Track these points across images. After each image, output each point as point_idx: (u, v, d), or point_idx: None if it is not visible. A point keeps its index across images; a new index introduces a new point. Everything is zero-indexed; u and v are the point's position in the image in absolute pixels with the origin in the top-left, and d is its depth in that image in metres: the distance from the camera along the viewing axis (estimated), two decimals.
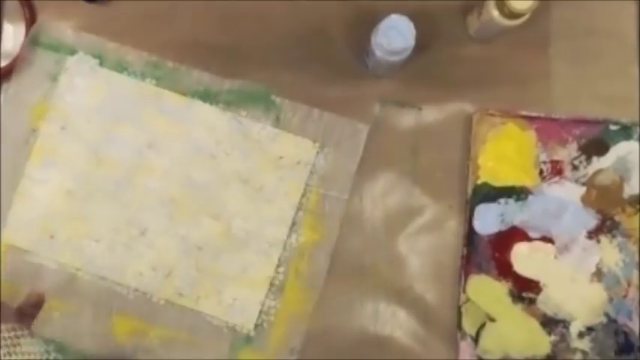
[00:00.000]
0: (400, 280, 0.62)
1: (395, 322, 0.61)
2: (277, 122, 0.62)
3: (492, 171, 0.61)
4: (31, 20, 0.63)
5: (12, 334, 0.49)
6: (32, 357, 0.48)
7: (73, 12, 0.63)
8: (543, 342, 0.60)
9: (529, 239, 0.61)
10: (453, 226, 0.62)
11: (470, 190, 0.61)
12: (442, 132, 0.63)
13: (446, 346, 0.61)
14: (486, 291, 0.61)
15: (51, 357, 0.60)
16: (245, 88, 0.62)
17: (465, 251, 0.61)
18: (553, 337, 0.60)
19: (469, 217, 0.61)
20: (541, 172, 0.61)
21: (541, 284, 0.61)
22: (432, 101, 0.63)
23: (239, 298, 0.61)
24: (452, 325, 0.61)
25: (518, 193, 0.61)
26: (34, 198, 0.62)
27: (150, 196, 0.62)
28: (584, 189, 0.61)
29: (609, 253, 0.61)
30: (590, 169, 0.61)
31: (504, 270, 0.61)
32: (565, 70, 0.63)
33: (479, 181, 0.61)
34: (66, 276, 0.62)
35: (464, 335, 0.61)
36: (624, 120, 0.61)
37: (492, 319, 0.61)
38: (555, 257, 0.61)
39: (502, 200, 0.61)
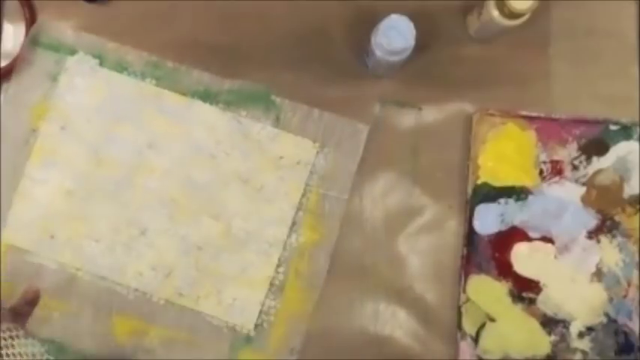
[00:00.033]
0: (400, 280, 0.62)
1: (395, 322, 0.61)
2: (277, 122, 0.62)
3: (492, 171, 0.61)
4: (31, 20, 0.63)
5: (7, 334, 0.48)
6: (26, 358, 0.48)
7: (73, 12, 0.63)
8: (543, 342, 0.60)
9: (529, 239, 0.61)
10: (453, 226, 0.62)
11: (470, 190, 0.61)
12: (442, 132, 0.63)
13: (446, 346, 0.61)
14: (486, 291, 0.61)
15: (50, 357, 0.61)
16: (245, 88, 0.62)
17: (465, 251, 0.61)
18: (553, 337, 0.60)
19: (469, 217, 0.61)
20: (541, 172, 0.61)
21: (541, 284, 0.61)
22: (432, 101, 0.63)
23: (239, 298, 0.61)
24: (452, 325, 0.61)
25: (518, 193, 0.61)
26: (34, 198, 0.62)
27: (150, 196, 0.62)
28: (584, 189, 0.61)
29: (609, 253, 0.61)
30: (590, 169, 0.61)
31: (504, 270, 0.61)
32: (565, 70, 0.63)
33: (479, 181, 0.61)
34: (66, 276, 0.62)
35: (464, 335, 0.61)
36: (624, 120, 0.61)
37: (492, 319, 0.61)
38: (555, 257, 0.61)
39: (502, 200, 0.61)
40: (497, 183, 0.61)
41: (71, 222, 0.62)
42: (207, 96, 0.62)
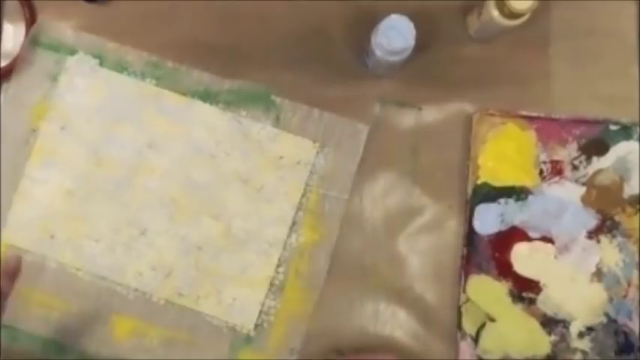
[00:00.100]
0: (400, 280, 0.62)
1: (395, 322, 0.61)
2: (277, 122, 0.62)
3: (492, 171, 0.61)
4: (31, 20, 0.63)
5: None
6: None
7: (73, 12, 0.63)
8: (543, 342, 0.60)
9: (529, 239, 0.61)
10: (453, 226, 0.62)
11: (470, 190, 0.61)
12: (442, 132, 0.63)
13: (446, 346, 0.61)
14: (486, 291, 0.61)
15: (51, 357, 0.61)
16: (245, 88, 0.62)
17: (465, 251, 0.61)
18: (553, 337, 0.60)
19: (469, 217, 0.61)
20: (541, 172, 0.61)
21: (541, 284, 0.61)
22: (432, 101, 0.63)
23: (239, 298, 0.61)
24: (452, 325, 0.61)
25: (518, 193, 0.61)
26: (34, 198, 0.62)
27: (150, 196, 0.62)
28: (584, 189, 0.61)
29: (609, 253, 0.61)
30: (590, 169, 0.61)
31: (504, 270, 0.61)
32: (565, 70, 0.63)
33: (479, 181, 0.61)
34: (66, 276, 0.62)
35: (464, 335, 0.61)
36: (624, 120, 0.61)
37: (492, 319, 0.61)
38: (555, 257, 0.61)
39: (502, 200, 0.61)
40: (497, 183, 0.61)
41: (71, 222, 0.62)
42: (207, 96, 0.62)
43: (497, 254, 0.61)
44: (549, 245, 0.61)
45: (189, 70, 0.62)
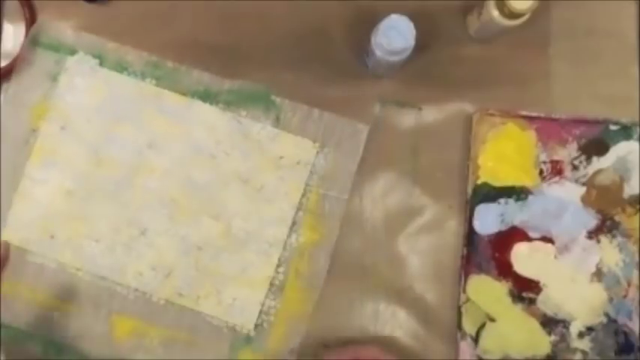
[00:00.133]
0: (400, 280, 0.62)
1: (395, 322, 0.61)
2: (277, 122, 0.62)
3: (492, 171, 0.61)
4: (31, 20, 0.63)
5: None
6: None
7: (73, 12, 0.63)
8: (543, 342, 0.60)
9: (529, 239, 0.61)
10: (453, 226, 0.62)
11: (470, 190, 0.61)
12: (442, 132, 0.63)
13: (446, 346, 0.61)
14: (486, 291, 0.61)
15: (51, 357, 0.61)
16: (245, 88, 0.62)
17: (465, 251, 0.61)
18: (553, 337, 0.60)
19: (469, 217, 0.61)
20: (541, 172, 0.61)
21: (541, 284, 0.61)
22: (432, 101, 0.63)
23: (239, 298, 0.61)
24: (452, 325, 0.61)
25: (518, 193, 0.61)
26: (34, 198, 0.62)
27: (150, 196, 0.62)
28: (584, 189, 0.61)
29: (609, 253, 0.61)
30: (590, 169, 0.61)
31: (504, 270, 0.61)
32: (565, 70, 0.63)
33: (479, 181, 0.61)
34: (66, 276, 0.62)
35: (464, 335, 0.61)
36: (624, 120, 0.61)
37: (492, 319, 0.61)
38: (555, 257, 0.61)
39: (502, 200, 0.61)
40: (497, 183, 0.61)
41: (71, 222, 0.62)
42: (207, 96, 0.62)
43: (497, 254, 0.61)
44: (549, 245, 0.61)
45: (189, 70, 0.62)
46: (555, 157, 0.61)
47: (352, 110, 0.62)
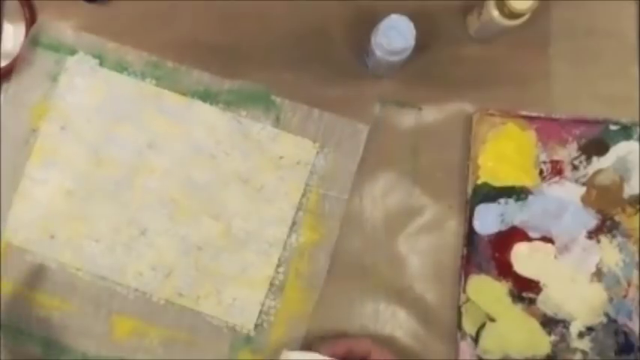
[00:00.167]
0: (400, 280, 0.62)
1: (395, 322, 0.61)
2: (277, 122, 0.62)
3: (492, 171, 0.61)
4: (31, 20, 0.63)
5: None
6: None
7: (73, 12, 0.63)
8: (543, 342, 0.60)
9: (529, 239, 0.61)
10: (453, 226, 0.62)
11: (470, 190, 0.61)
12: (442, 132, 0.63)
13: (446, 346, 0.61)
14: (486, 291, 0.61)
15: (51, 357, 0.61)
16: (245, 88, 0.62)
17: (465, 251, 0.61)
18: (553, 337, 0.60)
19: (469, 217, 0.61)
20: (541, 172, 0.61)
21: (541, 284, 0.61)
22: (432, 101, 0.63)
23: (239, 298, 0.61)
24: (452, 325, 0.61)
25: (518, 193, 0.61)
26: (34, 198, 0.62)
27: (150, 196, 0.62)
28: (584, 189, 0.61)
29: (609, 253, 0.61)
30: (590, 169, 0.61)
31: (504, 270, 0.61)
32: (565, 70, 0.63)
33: (479, 181, 0.61)
34: (66, 276, 0.62)
35: (464, 335, 0.61)
36: (624, 120, 0.61)
37: (492, 319, 0.61)
38: (555, 257, 0.61)
39: (502, 200, 0.61)
40: (497, 183, 0.61)
41: (71, 222, 0.62)
42: (207, 96, 0.62)
43: (497, 254, 0.61)
44: (549, 245, 0.61)
45: (189, 70, 0.62)
46: (555, 157, 0.61)
47: (352, 110, 0.62)
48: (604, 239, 0.61)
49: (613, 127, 0.61)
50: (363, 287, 0.62)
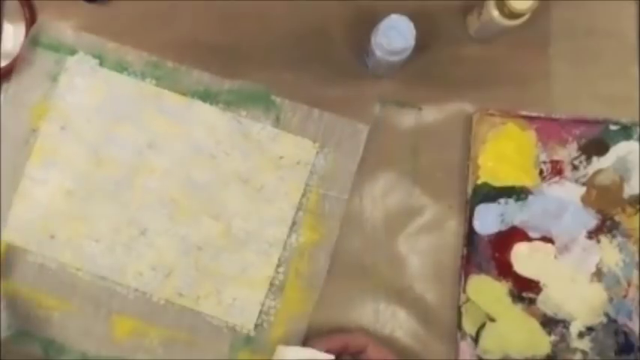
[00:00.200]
0: (400, 280, 0.62)
1: (395, 322, 0.61)
2: (277, 122, 0.62)
3: (492, 171, 0.61)
4: (31, 20, 0.63)
5: None
6: None
7: (73, 12, 0.63)
8: (543, 342, 0.60)
9: (529, 239, 0.61)
10: (453, 226, 0.62)
11: (470, 190, 0.61)
12: (442, 132, 0.63)
13: (446, 346, 0.61)
14: (486, 291, 0.61)
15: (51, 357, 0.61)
16: (245, 88, 0.62)
17: (465, 251, 0.61)
18: (553, 337, 0.60)
19: (469, 217, 0.61)
20: (541, 172, 0.61)
21: (541, 284, 0.61)
22: (432, 101, 0.63)
23: (239, 298, 0.61)
24: (452, 325, 0.61)
25: (518, 193, 0.61)
26: (34, 198, 0.62)
27: (150, 196, 0.62)
28: (584, 189, 0.61)
29: (609, 253, 0.61)
30: (590, 169, 0.61)
31: (504, 270, 0.61)
32: (565, 70, 0.63)
33: (479, 181, 0.61)
34: (66, 276, 0.62)
35: (464, 335, 0.61)
36: (624, 120, 0.61)
37: (492, 319, 0.61)
38: (555, 257, 0.61)
39: (502, 200, 0.61)
40: (497, 183, 0.61)
41: (71, 222, 0.62)
42: (207, 96, 0.62)
43: (497, 254, 0.61)
44: (549, 245, 0.61)
45: (189, 70, 0.62)
46: (555, 157, 0.61)
47: (352, 110, 0.62)
48: (604, 239, 0.61)
49: (613, 127, 0.61)
50: (363, 287, 0.62)
